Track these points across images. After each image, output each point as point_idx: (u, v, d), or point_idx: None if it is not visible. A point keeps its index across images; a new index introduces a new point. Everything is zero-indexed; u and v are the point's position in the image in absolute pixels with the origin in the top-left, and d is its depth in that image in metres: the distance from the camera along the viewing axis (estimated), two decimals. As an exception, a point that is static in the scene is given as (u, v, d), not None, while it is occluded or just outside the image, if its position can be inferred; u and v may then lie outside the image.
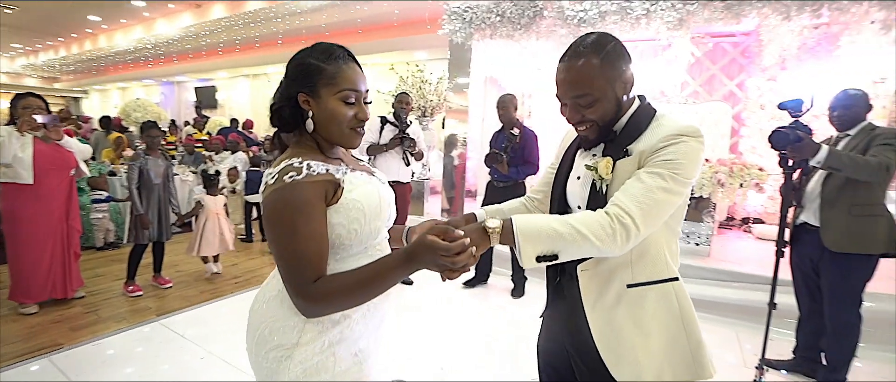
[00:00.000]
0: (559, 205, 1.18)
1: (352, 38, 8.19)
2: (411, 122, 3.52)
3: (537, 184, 1.37)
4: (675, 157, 0.94)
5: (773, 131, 2.12)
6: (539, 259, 0.90)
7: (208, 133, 8.57)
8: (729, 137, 5.26)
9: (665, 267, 1.05)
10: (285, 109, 0.95)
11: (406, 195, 3.50)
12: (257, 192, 4.87)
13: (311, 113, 0.94)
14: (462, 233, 0.82)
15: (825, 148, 2.05)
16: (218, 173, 4.01)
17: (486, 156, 3.28)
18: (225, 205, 3.89)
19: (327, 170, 0.90)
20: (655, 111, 1.06)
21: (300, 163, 0.88)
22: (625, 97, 1.04)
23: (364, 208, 0.93)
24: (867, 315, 2.27)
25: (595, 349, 1.05)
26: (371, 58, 8.83)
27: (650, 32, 3.63)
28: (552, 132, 6.17)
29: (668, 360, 1.04)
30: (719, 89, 5.47)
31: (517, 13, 4.04)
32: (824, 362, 2.37)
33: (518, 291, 3.48)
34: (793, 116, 2.11)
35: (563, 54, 1.05)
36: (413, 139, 3.39)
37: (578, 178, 1.12)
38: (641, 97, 1.09)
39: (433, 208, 4.83)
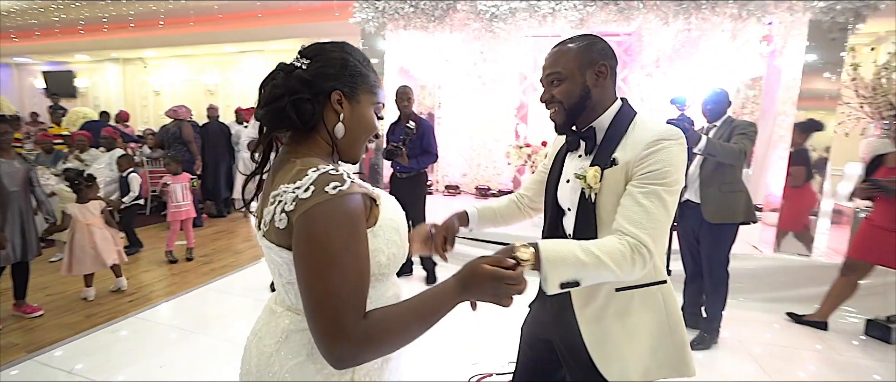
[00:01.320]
0: (552, 207, 1.22)
1: (249, 23, 7.52)
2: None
3: (527, 183, 1.44)
4: (662, 166, 0.99)
5: (665, 123, 2.46)
6: (562, 286, 0.91)
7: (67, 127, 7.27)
8: (617, 126, 5.93)
9: (653, 271, 1.07)
10: (308, 104, 0.79)
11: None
12: (137, 196, 4.31)
13: (342, 116, 0.82)
14: (513, 261, 0.79)
15: (704, 138, 2.43)
16: (91, 176, 3.42)
17: (385, 150, 3.40)
18: (106, 211, 3.35)
19: (360, 182, 0.77)
20: (635, 114, 1.11)
21: (335, 171, 0.72)
22: (595, 89, 1.08)
23: (399, 228, 0.83)
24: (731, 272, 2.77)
25: (584, 348, 1.10)
26: (270, 45, 8.21)
27: (556, 29, 3.90)
28: (460, 122, 6.42)
29: (654, 359, 1.10)
30: (608, 83, 6.12)
31: (431, 5, 4.06)
32: (704, 314, 2.84)
33: None
34: (679, 110, 2.47)
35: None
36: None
37: (568, 181, 1.16)
38: (624, 99, 1.14)
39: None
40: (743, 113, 5.49)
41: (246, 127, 6.33)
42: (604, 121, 1.11)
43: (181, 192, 4.19)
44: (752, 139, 2.53)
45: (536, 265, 0.89)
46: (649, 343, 1.10)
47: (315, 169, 0.72)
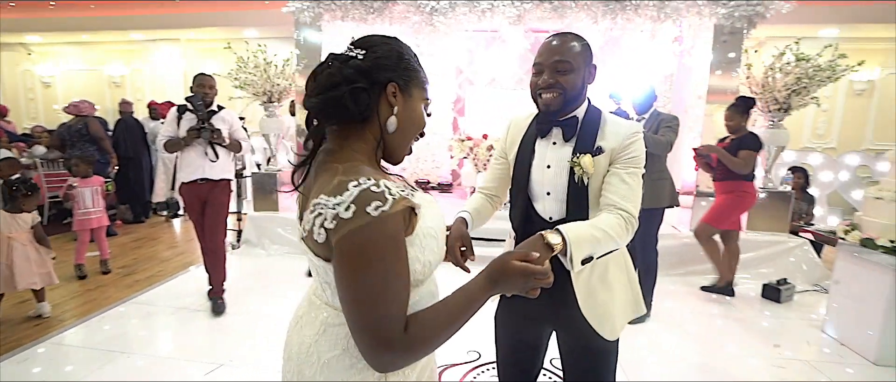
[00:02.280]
0: (523, 194, 1.30)
1: (162, 8, 6.78)
2: (218, 109, 3.02)
3: (488, 179, 1.46)
4: (638, 153, 1.21)
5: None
6: (582, 262, 1.05)
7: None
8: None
9: None
10: (365, 94, 0.76)
11: (220, 195, 3.00)
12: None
13: (396, 109, 0.80)
14: (538, 255, 0.82)
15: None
16: (35, 186, 2.99)
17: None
18: (39, 227, 2.99)
19: (401, 192, 0.73)
20: (600, 111, 1.28)
21: (377, 187, 0.69)
22: (587, 85, 1.24)
23: (437, 235, 0.81)
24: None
25: (581, 317, 1.23)
26: (187, 33, 7.50)
27: (494, 25, 4.01)
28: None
29: (624, 309, 1.31)
30: (539, 78, 6.40)
31: (370, -4, 3.99)
32: (637, 291, 3.12)
33: None
34: (616, 104, 2.67)
35: (550, 36, 1.25)
36: (216, 129, 2.90)
37: (549, 167, 1.25)
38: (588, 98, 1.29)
39: (287, 202, 4.48)
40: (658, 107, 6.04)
41: (162, 123, 5.78)
42: (580, 113, 1.25)
43: (91, 197, 3.73)
44: (676, 132, 2.82)
45: (563, 248, 1.01)
46: (622, 297, 1.29)
47: (356, 183, 0.69)
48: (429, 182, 6.35)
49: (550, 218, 1.26)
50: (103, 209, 3.83)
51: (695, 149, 3.41)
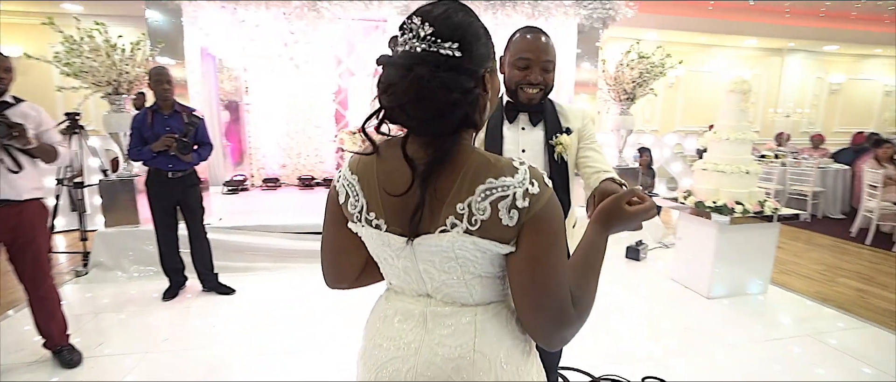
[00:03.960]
0: None
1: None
2: (15, 100, 2.15)
3: None
4: (594, 130, 1.45)
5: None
6: None
7: None
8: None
9: None
10: (482, 98, 0.70)
11: (30, 222, 2.17)
12: None
13: (490, 92, 0.74)
14: (639, 188, 0.87)
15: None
16: None
17: (168, 146, 2.84)
18: None
19: None
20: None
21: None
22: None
23: None
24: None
25: None
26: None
27: (382, 14, 3.94)
28: (273, 109, 5.87)
29: None
30: (419, 69, 6.50)
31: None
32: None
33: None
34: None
35: (527, 29, 1.33)
36: (15, 125, 2.02)
37: (524, 151, 1.39)
38: None
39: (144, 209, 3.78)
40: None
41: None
42: (544, 101, 1.42)
43: None
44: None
45: None
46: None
47: (516, 161, 0.69)
48: (313, 178, 6.01)
49: None
50: None
51: None
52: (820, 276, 3.89)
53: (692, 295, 3.34)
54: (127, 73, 3.52)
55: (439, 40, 0.65)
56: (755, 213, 3.14)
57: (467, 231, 0.68)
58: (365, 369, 0.83)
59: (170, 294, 3.18)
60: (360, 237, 0.78)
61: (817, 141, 7.32)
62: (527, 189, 0.66)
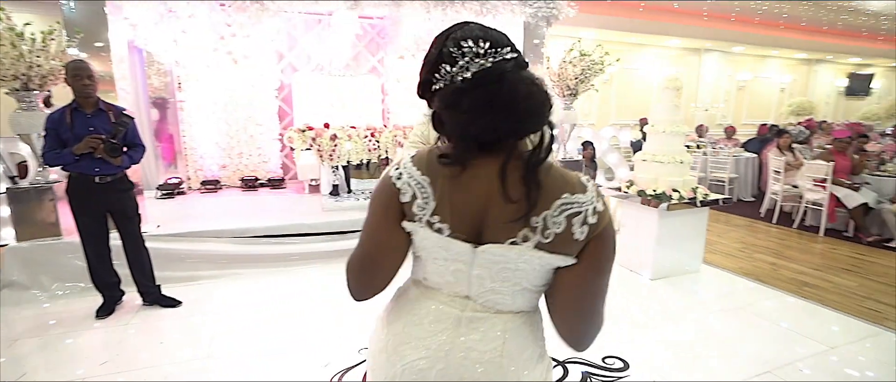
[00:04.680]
0: None
1: None
2: None
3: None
4: None
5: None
6: None
7: None
8: (380, 105, 6.32)
9: None
10: None
11: None
12: None
13: None
14: None
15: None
16: None
17: (93, 148, 2.57)
18: None
19: None
20: None
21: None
22: None
23: None
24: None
25: None
26: None
27: (329, 7, 3.82)
28: (210, 107, 5.48)
29: None
30: (364, 65, 6.38)
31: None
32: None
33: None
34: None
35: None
36: None
37: None
38: None
39: (71, 222, 3.40)
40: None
41: None
42: None
43: None
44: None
45: None
46: None
47: (584, 177, 0.74)
48: (256, 179, 5.71)
49: None
50: None
51: None
52: (740, 253, 4.35)
53: (637, 277, 3.60)
54: (39, 66, 3.13)
55: (498, 49, 0.70)
56: (689, 199, 3.44)
57: (538, 245, 0.71)
58: (388, 363, 0.82)
59: (104, 312, 2.89)
60: (410, 237, 0.78)
61: (730, 132, 8.13)
62: (595, 207, 0.71)
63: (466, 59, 0.69)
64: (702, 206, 3.51)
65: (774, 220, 5.51)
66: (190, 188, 5.53)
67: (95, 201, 2.72)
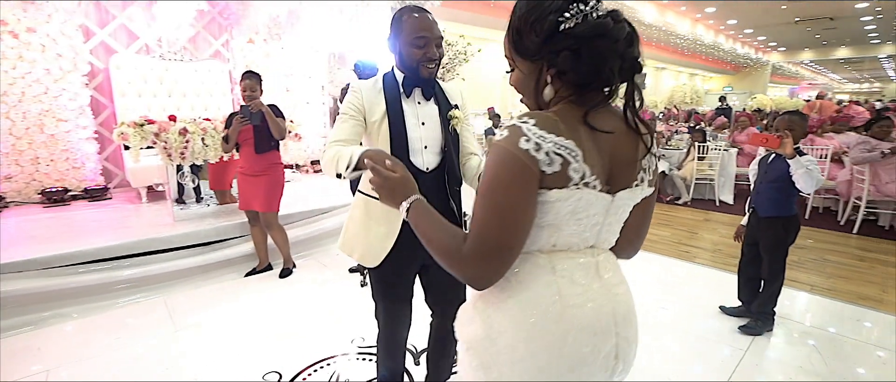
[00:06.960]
0: (403, 150, 1.39)
1: None
2: None
3: (345, 132, 1.38)
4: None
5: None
6: None
7: None
8: (230, 94, 5.58)
9: None
10: None
11: None
12: None
13: None
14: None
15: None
16: None
17: None
18: None
19: None
20: None
21: None
22: None
23: None
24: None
25: None
26: None
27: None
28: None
29: None
30: (205, 49, 5.53)
31: None
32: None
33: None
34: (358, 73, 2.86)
35: (414, 9, 1.35)
36: None
37: (424, 124, 1.42)
38: None
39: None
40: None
41: None
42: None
43: None
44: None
45: None
46: None
47: None
48: (67, 190, 4.49)
49: (427, 169, 1.41)
50: None
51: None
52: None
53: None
54: None
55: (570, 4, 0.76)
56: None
57: (649, 182, 0.84)
58: (561, 330, 0.79)
59: None
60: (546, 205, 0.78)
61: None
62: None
63: (592, 4, 0.74)
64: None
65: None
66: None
67: None
